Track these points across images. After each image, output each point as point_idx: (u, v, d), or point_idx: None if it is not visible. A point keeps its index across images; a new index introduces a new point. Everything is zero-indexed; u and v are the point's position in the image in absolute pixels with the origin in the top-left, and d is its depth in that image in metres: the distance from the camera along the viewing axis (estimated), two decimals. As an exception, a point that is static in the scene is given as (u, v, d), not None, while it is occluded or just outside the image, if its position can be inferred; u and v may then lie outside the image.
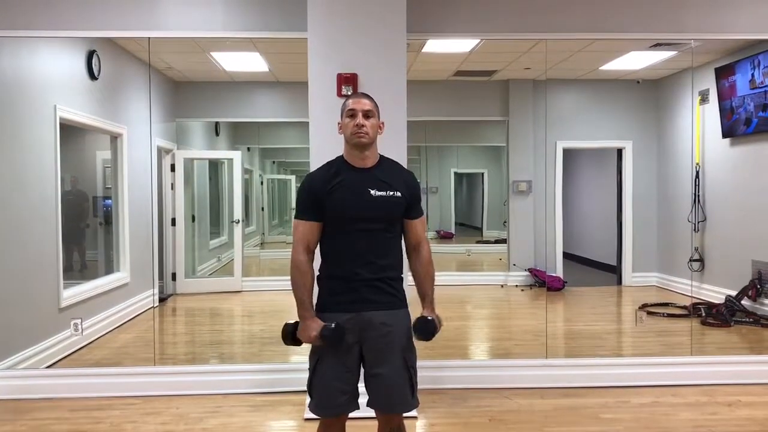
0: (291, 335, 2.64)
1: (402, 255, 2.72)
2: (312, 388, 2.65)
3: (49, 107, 5.11)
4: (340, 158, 2.69)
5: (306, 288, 2.60)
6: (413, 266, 2.75)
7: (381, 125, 2.69)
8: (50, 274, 5.11)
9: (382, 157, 2.70)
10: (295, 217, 2.67)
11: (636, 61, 6.90)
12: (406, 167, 2.95)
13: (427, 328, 2.64)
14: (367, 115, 2.60)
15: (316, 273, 2.69)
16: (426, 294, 2.72)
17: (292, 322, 2.65)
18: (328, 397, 2.61)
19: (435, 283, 2.75)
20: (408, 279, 2.83)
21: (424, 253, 2.72)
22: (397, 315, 2.64)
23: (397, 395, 2.62)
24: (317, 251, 2.69)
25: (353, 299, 2.58)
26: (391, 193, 2.60)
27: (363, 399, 2.66)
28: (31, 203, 4.97)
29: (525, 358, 5.03)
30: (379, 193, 2.59)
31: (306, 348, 2.71)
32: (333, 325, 2.55)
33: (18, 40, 4.70)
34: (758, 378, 4.69)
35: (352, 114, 2.60)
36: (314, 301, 2.69)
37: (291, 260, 2.61)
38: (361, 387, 2.65)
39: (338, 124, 2.69)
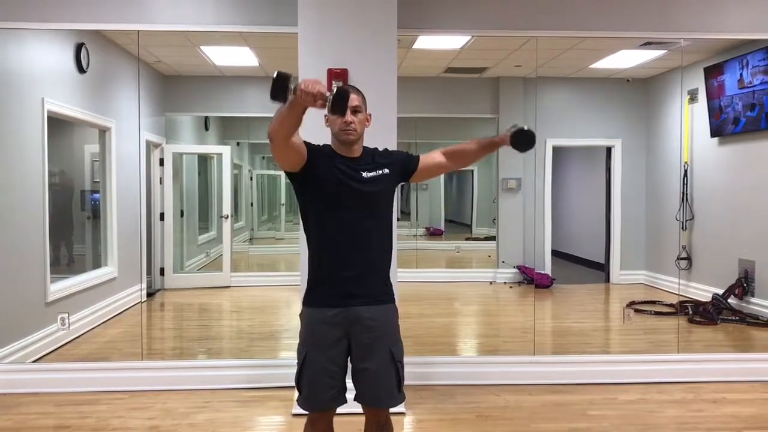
0: (286, 79, 2.18)
1: (390, 248, 2.71)
2: (300, 382, 2.63)
3: (36, 100, 5.06)
4: (327, 146, 2.67)
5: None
6: (462, 156, 2.87)
7: (368, 118, 2.68)
8: (37, 268, 5.07)
9: (365, 148, 2.69)
10: None
11: (626, 59, 6.92)
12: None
13: (527, 134, 2.68)
14: (355, 110, 2.57)
15: (306, 267, 2.68)
16: (482, 141, 2.84)
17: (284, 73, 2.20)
18: (315, 391, 2.61)
19: (421, 279, 2.75)
20: (401, 275, 2.82)
21: (453, 147, 2.84)
22: (385, 310, 2.63)
23: (383, 390, 2.61)
24: (306, 248, 2.68)
25: (341, 293, 2.57)
26: (380, 171, 2.63)
27: (350, 394, 2.66)
28: (18, 197, 4.93)
29: (513, 355, 5.05)
30: (371, 174, 2.60)
31: (294, 343, 2.69)
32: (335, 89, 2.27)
33: (5, 32, 4.66)
34: (743, 375, 4.72)
35: (339, 109, 2.58)
36: (303, 295, 2.68)
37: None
38: (349, 382, 2.65)
39: (325, 116, 2.64)
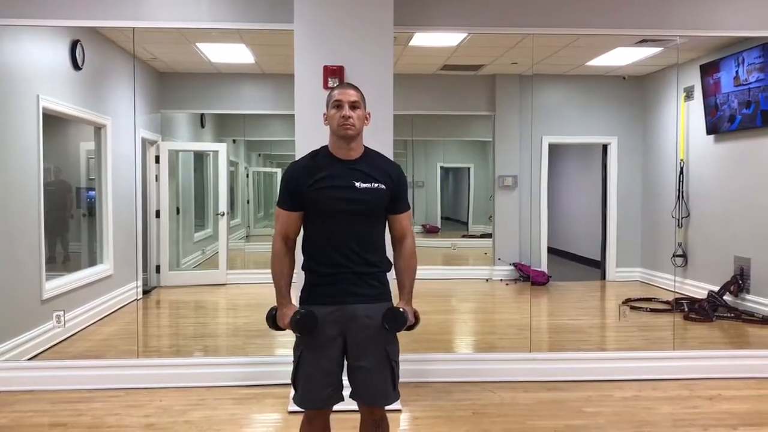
0: (273, 320, 2.69)
1: (385, 247, 2.71)
2: (296, 380, 2.64)
3: (31, 97, 5.04)
4: (324, 149, 2.67)
5: (284, 276, 2.63)
6: (396, 259, 2.75)
7: (367, 116, 2.68)
8: (32, 266, 5.06)
9: (367, 149, 2.69)
10: (277, 204, 2.68)
11: (622, 57, 6.93)
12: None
13: (396, 319, 2.60)
14: (353, 106, 2.58)
15: (300, 264, 2.69)
16: (404, 285, 2.71)
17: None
18: (312, 389, 2.61)
19: (418, 277, 2.75)
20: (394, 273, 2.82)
21: (407, 246, 2.72)
22: (381, 308, 2.63)
23: (378, 388, 2.62)
24: (301, 243, 2.68)
25: (337, 292, 2.57)
26: (376, 185, 2.59)
27: (347, 392, 2.66)
28: (14, 194, 4.91)
29: (509, 352, 5.06)
30: (364, 186, 2.58)
31: (290, 340, 2.70)
32: (302, 312, 2.56)
33: (0, 29, 4.64)
34: (739, 372, 4.73)
35: (338, 105, 2.59)
36: (299, 293, 2.69)
37: (271, 248, 2.64)
38: (346, 380, 2.65)
39: (324, 115, 2.67)
